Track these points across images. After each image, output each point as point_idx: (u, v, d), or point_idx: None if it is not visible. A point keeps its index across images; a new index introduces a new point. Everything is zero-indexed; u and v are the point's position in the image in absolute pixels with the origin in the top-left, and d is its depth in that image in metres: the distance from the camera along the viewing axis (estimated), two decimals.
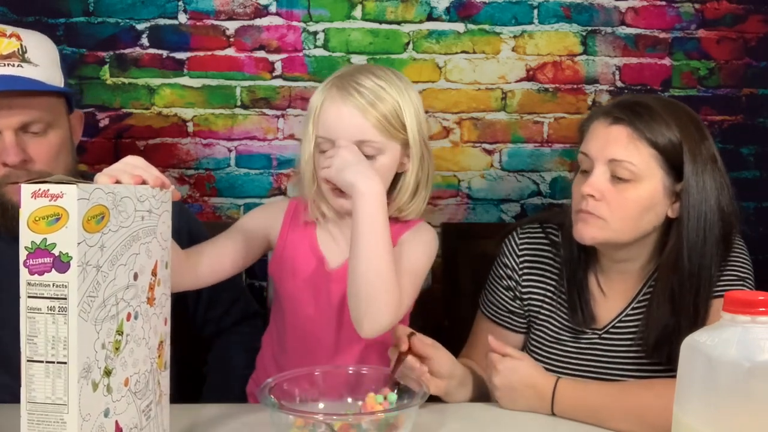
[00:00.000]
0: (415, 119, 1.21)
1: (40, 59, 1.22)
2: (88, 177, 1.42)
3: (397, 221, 1.27)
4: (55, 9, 2.01)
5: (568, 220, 1.27)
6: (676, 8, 2.08)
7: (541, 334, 1.33)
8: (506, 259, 1.38)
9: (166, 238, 0.99)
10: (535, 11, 2.07)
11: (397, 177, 1.25)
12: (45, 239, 0.77)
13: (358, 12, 2.05)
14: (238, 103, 2.06)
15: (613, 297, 1.29)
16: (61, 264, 0.77)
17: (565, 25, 2.07)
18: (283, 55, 2.05)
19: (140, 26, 2.02)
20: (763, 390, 0.71)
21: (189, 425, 1.10)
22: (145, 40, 2.02)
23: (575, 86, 2.09)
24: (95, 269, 0.81)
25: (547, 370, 1.21)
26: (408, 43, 2.06)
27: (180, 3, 2.02)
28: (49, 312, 0.78)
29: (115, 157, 2.13)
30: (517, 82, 2.08)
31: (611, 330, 1.27)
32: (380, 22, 2.05)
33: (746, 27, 2.09)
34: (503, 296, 1.38)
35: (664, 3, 2.08)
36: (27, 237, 0.77)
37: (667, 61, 2.09)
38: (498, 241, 1.40)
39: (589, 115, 1.27)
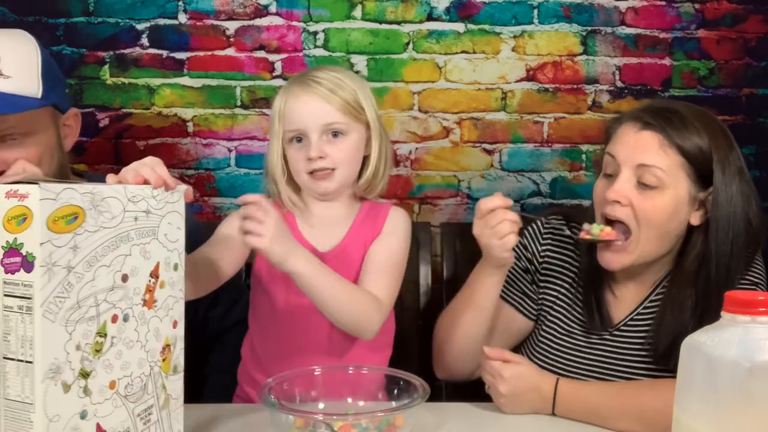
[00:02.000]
0: (371, 104, 1.33)
1: (14, 69, 1.19)
2: (88, 177, 1.42)
3: (369, 202, 1.38)
4: (55, 9, 2.01)
5: (590, 219, 1.25)
6: (676, 8, 2.08)
7: (553, 326, 1.33)
8: (528, 243, 1.38)
9: (174, 239, 0.98)
10: (535, 11, 2.07)
11: (364, 161, 1.35)
12: (15, 239, 0.78)
13: (358, 12, 2.05)
14: (238, 103, 2.06)
15: (625, 297, 1.29)
16: (28, 264, 0.78)
17: (565, 25, 2.07)
18: (283, 55, 2.05)
19: (140, 26, 2.02)
20: (763, 390, 0.71)
21: (189, 425, 1.09)
22: (145, 40, 2.02)
23: (575, 86, 2.09)
24: (65, 270, 0.81)
25: (555, 364, 1.21)
26: (408, 43, 2.06)
27: (180, 3, 2.02)
28: (19, 311, 0.79)
29: (115, 157, 2.14)
30: (517, 82, 2.08)
31: (621, 328, 1.27)
32: (380, 22, 2.05)
33: (746, 27, 2.09)
34: (520, 277, 1.38)
35: (664, 3, 2.08)
36: (2, 236, 0.78)
37: (667, 61, 2.09)
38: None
39: (618, 118, 1.25)
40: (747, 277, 1.21)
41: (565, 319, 1.32)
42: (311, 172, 1.29)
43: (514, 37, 2.07)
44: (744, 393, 0.71)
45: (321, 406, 1.13)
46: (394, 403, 1.10)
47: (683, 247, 1.21)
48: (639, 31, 2.08)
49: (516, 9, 2.06)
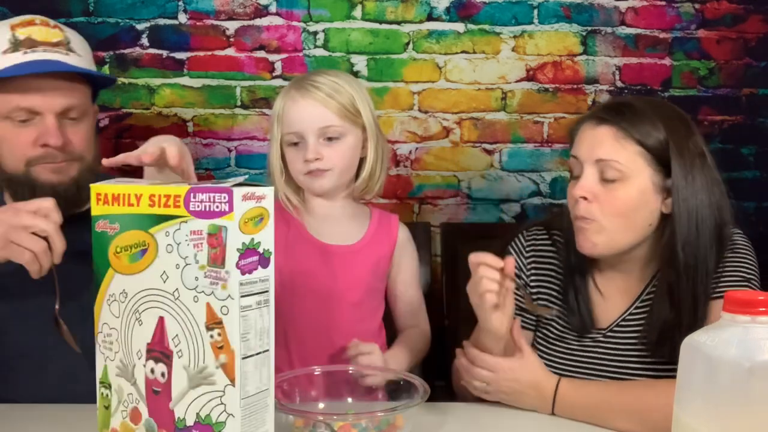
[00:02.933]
0: (368, 107, 1.37)
1: (81, 51, 1.27)
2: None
3: (377, 210, 1.47)
4: (55, 9, 2.01)
5: (567, 222, 1.27)
6: (676, 8, 2.08)
7: (547, 333, 1.33)
8: (514, 259, 1.38)
9: None
10: (535, 11, 2.07)
11: (361, 162, 1.40)
12: (253, 239, 0.80)
13: (358, 12, 2.05)
14: (238, 103, 2.06)
15: (613, 296, 1.29)
16: (264, 260, 0.81)
17: (565, 25, 2.07)
18: (283, 55, 2.05)
19: (140, 26, 2.02)
20: (763, 390, 0.71)
21: None
22: (145, 40, 2.02)
23: (575, 86, 2.09)
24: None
25: (551, 369, 1.21)
26: (408, 43, 2.06)
27: (180, 3, 2.03)
28: (257, 306, 0.81)
29: None
30: (517, 82, 2.08)
31: (615, 329, 1.27)
32: (380, 22, 2.05)
33: (746, 27, 2.09)
34: (514, 295, 1.38)
35: (664, 3, 2.08)
36: (238, 239, 0.79)
37: (667, 61, 2.09)
38: (504, 243, 1.40)
39: (578, 120, 1.28)
40: (737, 271, 1.20)
41: (557, 325, 1.32)
42: (308, 172, 1.35)
43: (514, 37, 2.07)
44: (744, 393, 0.71)
45: (321, 406, 1.13)
46: (394, 403, 1.10)
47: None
48: (639, 31, 2.08)
49: (516, 9, 2.06)
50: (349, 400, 1.16)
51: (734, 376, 0.71)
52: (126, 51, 2.02)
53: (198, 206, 0.80)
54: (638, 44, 2.08)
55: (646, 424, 1.06)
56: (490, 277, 1.13)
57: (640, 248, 1.24)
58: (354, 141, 1.36)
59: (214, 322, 0.79)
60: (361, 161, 1.40)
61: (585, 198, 1.19)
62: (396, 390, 1.13)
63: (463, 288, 1.18)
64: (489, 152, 2.10)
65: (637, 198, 1.18)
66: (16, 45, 1.21)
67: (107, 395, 0.87)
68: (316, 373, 1.16)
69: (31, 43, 1.22)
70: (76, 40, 1.28)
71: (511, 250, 1.39)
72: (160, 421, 0.81)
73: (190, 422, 0.80)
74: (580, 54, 2.08)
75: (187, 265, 0.81)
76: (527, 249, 1.37)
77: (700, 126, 2.10)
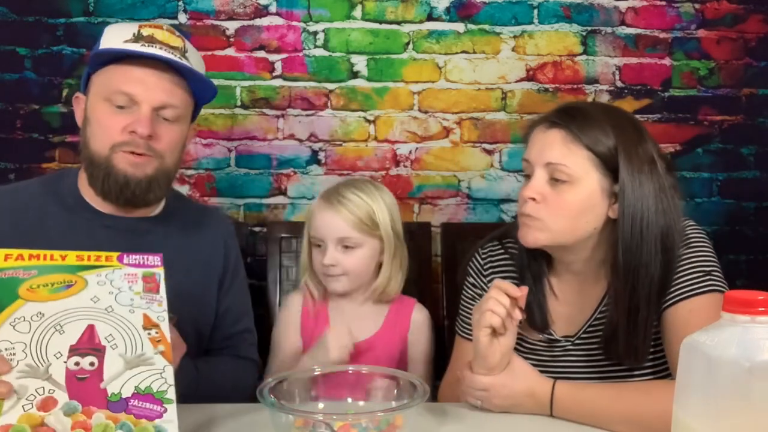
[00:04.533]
0: (388, 218, 1.52)
1: (195, 63, 1.31)
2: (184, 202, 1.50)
3: (388, 300, 1.56)
4: (55, 9, 2.01)
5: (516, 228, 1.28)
6: (676, 8, 2.08)
7: (519, 347, 1.31)
8: (474, 280, 1.39)
9: None
10: (535, 11, 2.07)
11: (379, 267, 1.54)
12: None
13: (358, 12, 2.05)
14: (238, 103, 2.06)
15: (576, 303, 1.29)
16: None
17: (565, 25, 2.07)
18: (283, 55, 2.05)
19: None
20: (763, 390, 0.71)
21: (189, 425, 1.09)
22: None
23: (575, 86, 2.09)
24: None
25: None
26: (408, 43, 2.06)
27: (180, 3, 2.03)
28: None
29: None
30: (517, 82, 2.08)
31: (583, 336, 1.27)
32: (380, 22, 2.05)
33: (746, 27, 2.09)
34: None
35: (664, 3, 2.08)
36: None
37: (667, 61, 2.09)
38: (464, 265, 1.41)
39: (531, 123, 1.29)
40: (696, 267, 1.20)
41: (526, 336, 1.31)
42: (325, 274, 1.52)
43: (514, 37, 2.07)
44: (743, 393, 0.71)
45: (321, 406, 1.13)
46: (394, 403, 1.10)
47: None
48: (639, 31, 2.08)
49: (516, 9, 2.07)
50: (349, 400, 1.16)
51: (734, 376, 0.71)
52: None
53: (131, 261, 1.02)
54: (638, 44, 2.08)
55: (645, 428, 1.06)
56: (499, 300, 1.14)
57: (588, 250, 1.24)
58: (370, 250, 1.51)
59: (151, 325, 0.97)
60: (380, 266, 1.54)
61: (533, 199, 1.21)
62: (396, 390, 1.13)
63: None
64: (489, 152, 2.10)
65: (584, 201, 1.19)
66: (137, 38, 1.26)
67: None
68: (316, 373, 1.16)
69: (150, 40, 1.26)
70: (193, 53, 1.33)
71: (470, 270, 1.39)
72: (85, 401, 0.91)
73: (127, 394, 0.92)
74: (580, 54, 2.08)
75: (120, 292, 0.99)
76: (485, 267, 1.38)
77: (700, 126, 2.11)
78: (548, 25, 2.07)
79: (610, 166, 1.18)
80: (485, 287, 1.36)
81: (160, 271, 1.02)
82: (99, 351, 0.95)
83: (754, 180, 2.13)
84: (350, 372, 1.20)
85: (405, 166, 2.09)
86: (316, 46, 2.05)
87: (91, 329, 0.96)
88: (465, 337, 1.36)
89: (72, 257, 1.01)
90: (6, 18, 2.01)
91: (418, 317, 1.57)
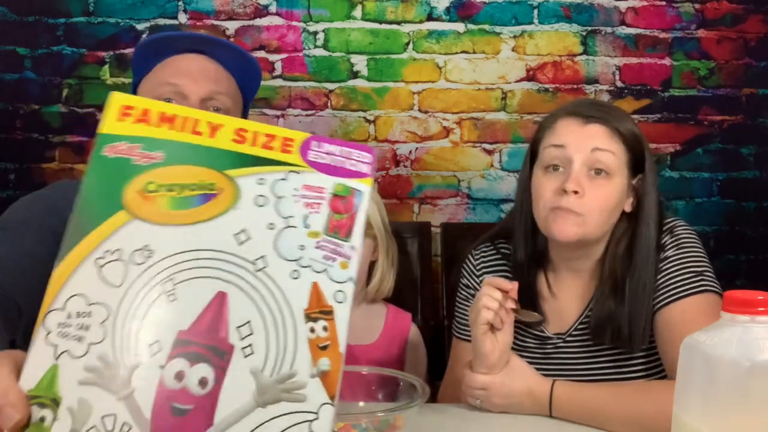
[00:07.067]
0: (379, 216, 1.51)
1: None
2: None
3: (392, 307, 1.57)
4: (55, 9, 2.01)
5: (518, 224, 1.28)
6: (676, 8, 2.08)
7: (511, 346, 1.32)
8: (468, 281, 1.39)
9: None
10: (535, 11, 2.07)
11: (372, 265, 1.53)
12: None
13: (358, 12, 2.05)
14: None
15: (567, 300, 1.29)
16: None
17: (565, 25, 2.07)
18: (283, 55, 2.05)
19: (140, 26, 2.02)
20: (763, 390, 0.71)
21: None
22: None
23: (575, 86, 2.09)
24: None
25: None
26: (408, 43, 2.06)
27: (180, 3, 2.03)
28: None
29: None
30: (517, 82, 2.08)
31: (573, 333, 1.27)
32: (380, 22, 2.05)
33: (746, 27, 2.09)
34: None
35: (664, 3, 2.08)
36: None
37: (667, 61, 2.09)
38: (458, 267, 1.41)
39: (551, 115, 1.27)
40: (689, 268, 1.20)
41: (517, 335, 1.31)
42: None
43: (514, 37, 2.07)
44: (743, 392, 0.71)
45: None
46: (394, 404, 1.10)
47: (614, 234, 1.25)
48: (639, 31, 2.08)
49: (516, 9, 2.06)
50: (349, 400, 1.15)
51: (734, 376, 0.71)
52: (126, 51, 2.02)
53: (322, 158, 0.60)
54: (638, 44, 2.08)
55: (645, 428, 1.06)
56: (491, 295, 1.14)
57: (601, 246, 1.25)
58: (364, 250, 1.49)
59: (320, 311, 0.55)
60: (372, 265, 1.54)
61: (576, 192, 1.17)
62: (396, 390, 1.13)
63: None
64: (489, 152, 2.10)
65: (619, 195, 1.20)
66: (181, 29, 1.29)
67: (43, 418, 0.51)
68: None
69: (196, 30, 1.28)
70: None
71: (464, 272, 1.39)
72: None
73: None
74: (580, 54, 2.08)
75: (288, 227, 0.57)
76: (478, 268, 1.38)
77: (700, 126, 2.11)
78: (548, 25, 2.07)
79: (635, 161, 1.21)
80: (479, 288, 1.36)
81: (367, 188, 0.59)
82: (223, 355, 0.53)
83: (754, 180, 2.13)
84: (350, 372, 1.20)
85: (405, 166, 2.09)
86: (316, 46, 2.05)
87: (220, 304, 0.54)
88: (461, 338, 1.37)
89: (228, 131, 0.60)
90: (6, 18, 2.01)
91: (415, 337, 1.58)
